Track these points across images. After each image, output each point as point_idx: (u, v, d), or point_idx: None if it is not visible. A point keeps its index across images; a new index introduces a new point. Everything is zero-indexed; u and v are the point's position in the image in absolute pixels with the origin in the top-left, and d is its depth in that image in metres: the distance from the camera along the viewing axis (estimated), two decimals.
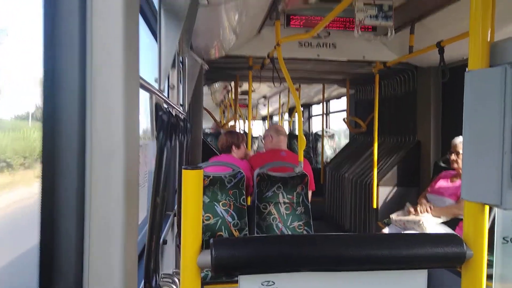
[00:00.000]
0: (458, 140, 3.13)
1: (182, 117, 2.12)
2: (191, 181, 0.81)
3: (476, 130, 0.83)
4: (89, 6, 0.68)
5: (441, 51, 2.88)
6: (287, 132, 4.59)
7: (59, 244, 0.67)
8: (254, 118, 11.89)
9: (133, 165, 0.76)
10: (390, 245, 0.82)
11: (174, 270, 2.12)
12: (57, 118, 0.67)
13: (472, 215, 0.86)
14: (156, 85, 1.44)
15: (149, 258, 1.20)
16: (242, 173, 2.97)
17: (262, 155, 3.53)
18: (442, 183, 3.26)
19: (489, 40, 0.85)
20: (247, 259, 0.79)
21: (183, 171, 0.82)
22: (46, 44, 0.67)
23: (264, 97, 8.79)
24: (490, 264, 0.94)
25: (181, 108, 2.43)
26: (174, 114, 1.50)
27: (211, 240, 0.81)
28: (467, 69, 0.88)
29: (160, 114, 1.18)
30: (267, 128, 3.35)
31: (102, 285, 0.69)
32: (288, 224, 2.99)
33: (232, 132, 3.66)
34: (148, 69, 1.67)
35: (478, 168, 0.82)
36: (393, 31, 2.90)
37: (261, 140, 4.41)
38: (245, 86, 6.59)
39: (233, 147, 3.35)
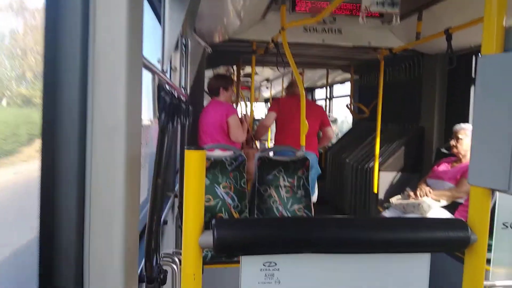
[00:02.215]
0: (459, 127, 3.15)
1: (184, 99, 2.10)
2: (194, 162, 0.80)
3: (487, 115, 0.81)
4: None
5: (449, 38, 2.84)
6: None
7: (60, 221, 0.67)
8: (256, 100, 11.88)
9: (135, 143, 0.75)
10: (394, 228, 0.82)
11: (174, 250, 2.14)
12: (59, 95, 0.66)
13: (478, 200, 0.86)
14: (159, 66, 1.42)
15: (150, 238, 1.20)
16: (243, 156, 2.97)
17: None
18: (442, 168, 3.28)
19: (504, 24, 0.83)
20: (249, 240, 0.79)
21: (186, 151, 0.81)
22: (47, 23, 0.66)
23: (267, 79, 8.75)
24: (488, 249, 0.94)
25: (183, 90, 2.41)
26: (176, 96, 1.48)
27: (213, 221, 0.81)
28: (479, 54, 0.86)
29: (162, 95, 1.17)
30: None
31: (103, 263, 0.69)
32: (289, 207, 3.00)
33: (220, 75, 3.95)
34: (150, 50, 1.65)
35: (487, 153, 0.81)
36: (399, 18, 2.86)
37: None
38: (248, 69, 6.53)
39: (221, 89, 3.47)
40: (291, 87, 4.20)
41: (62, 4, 0.66)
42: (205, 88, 4.32)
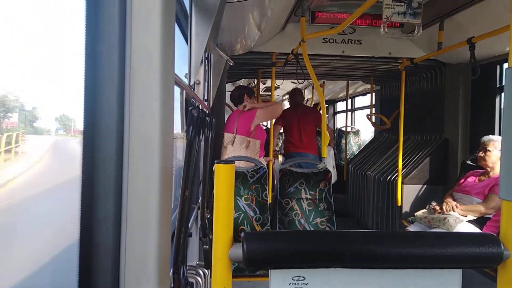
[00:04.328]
0: (488, 138, 3.08)
1: (207, 113, 2.14)
2: (224, 175, 0.82)
3: None
4: (128, 9, 0.70)
5: (472, 47, 2.80)
6: None
7: (98, 229, 0.69)
8: None
9: (168, 155, 0.77)
10: (424, 243, 0.81)
11: (197, 263, 2.15)
12: (98, 111, 0.70)
13: (510, 214, 0.84)
14: (186, 81, 1.46)
15: (178, 250, 1.22)
16: (264, 168, 2.99)
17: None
18: (469, 181, 3.19)
19: None
20: (279, 253, 0.80)
21: (216, 165, 0.83)
22: (88, 41, 0.70)
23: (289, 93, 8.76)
24: None
25: (206, 103, 2.45)
26: (201, 109, 1.52)
27: (242, 234, 0.82)
28: (506, 66, 0.85)
29: (190, 109, 1.20)
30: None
31: (138, 270, 0.71)
32: (311, 220, 2.98)
33: (242, 85, 4.29)
34: (177, 65, 1.69)
35: None
36: (421, 29, 2.83)
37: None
38: (269, 83, 6.56)
39: (245, 96, 3.57)
40: (294, 96, 4.75)
41: (101, 24, 0.70)
42: (227, 101, 4.38)
